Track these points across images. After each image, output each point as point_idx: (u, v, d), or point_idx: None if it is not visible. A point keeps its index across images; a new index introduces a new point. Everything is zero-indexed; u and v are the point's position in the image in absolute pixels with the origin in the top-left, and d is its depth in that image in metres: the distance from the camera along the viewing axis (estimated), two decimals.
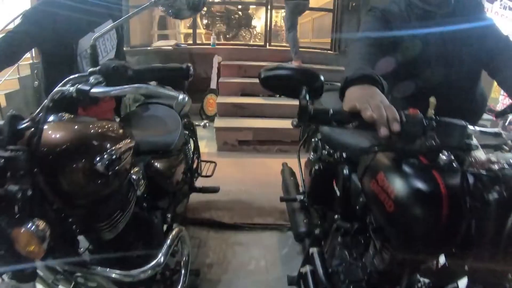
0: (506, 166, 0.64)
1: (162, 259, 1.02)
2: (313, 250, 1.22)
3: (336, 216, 1.20)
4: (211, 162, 2.50)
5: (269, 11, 5.35)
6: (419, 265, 0.80)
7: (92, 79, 0.81)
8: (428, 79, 1.22)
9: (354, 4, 4.86)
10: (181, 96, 0.78)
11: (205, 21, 7.27)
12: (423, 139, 0.72)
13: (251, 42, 7.34)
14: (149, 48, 5.18)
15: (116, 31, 1.91)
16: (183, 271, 1.29)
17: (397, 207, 0.71)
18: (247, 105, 4.03)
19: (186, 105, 0.78)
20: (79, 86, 0.78)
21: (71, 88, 0.78)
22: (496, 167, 0.65)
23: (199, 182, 2.34)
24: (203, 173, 2.40)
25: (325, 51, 5.20)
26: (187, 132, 2.02)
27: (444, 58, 1.22)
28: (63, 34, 1.65)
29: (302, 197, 1.87)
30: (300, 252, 2.08)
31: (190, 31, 5.76)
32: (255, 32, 8.19)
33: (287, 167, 2.41)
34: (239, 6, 7.56)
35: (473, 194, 0.66)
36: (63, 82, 0.82)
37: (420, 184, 0.70)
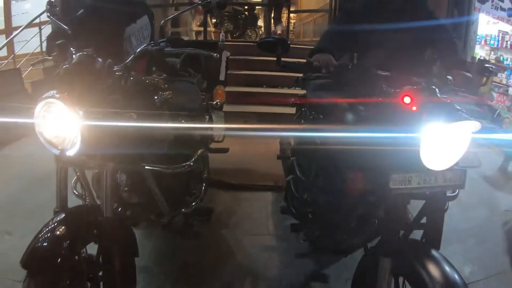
0: None
1: (192, 163, 1.66)
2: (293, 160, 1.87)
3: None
4: (221, 132, 3.14)
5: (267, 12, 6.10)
6: None
7: (163, 44, 1.45)
8: (384, 54, 1.80)
9: None
10: (215, 54, 1.43)
11: (214, 20, 7.96)
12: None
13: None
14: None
15: (150, 24, 2.57)
16: (204, 184, 1.93)
17: None
18: (252, 93, 4.69)
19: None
20: (156, 46, 1.42)
21: (152, 47, 1.41)
22: None
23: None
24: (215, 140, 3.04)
25: None
26: (204, 104, 2.67)
27: (396, 40, 1.79)
28: (114, 24, 2.31)
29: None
30: None
31: (201, 29, 6.45)
32: (260, 32, 8.87)
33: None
34: (246, 7, 8.26)
35: None
36: (145, 44, 1.46)
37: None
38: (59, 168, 1.34)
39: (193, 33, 6.71)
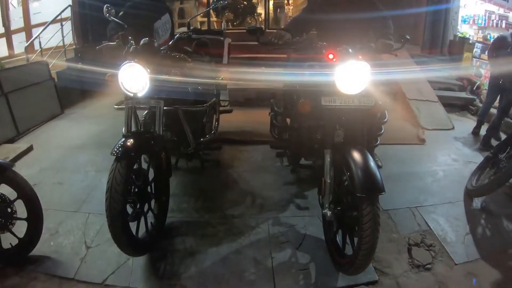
0: None
1: (208, 104, 2.67)
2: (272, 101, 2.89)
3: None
4: (225, 100, 4.10)
5: (267, 1, 6.98)
6: None
7: (190, 33, 2.44)
8: (334, 35, 2.71)
9: None
10: (221, 38, 2.41)
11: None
12: None
13: None
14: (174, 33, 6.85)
15: (171, 19, 3.54)
16: (216, 122, 2.97)
17: None
18: (252, 73, 5.64)
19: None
20: (186, 34, 2.41)
21: (184, 35, 2.40)
22: None
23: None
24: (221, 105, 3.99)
25: None
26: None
27: (344, 24, 2.70)
28: (146, 19, 3.27)
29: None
30: None
31: (205, 19, 7.41)
32: (260, 19, 9.73)
33: None
34: None
35: None
36: (179, 33, 2.45)
37: None
38: (128, 108, 2.31)
39: (198, 23, 7.69)
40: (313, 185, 3.16)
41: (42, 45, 6.01)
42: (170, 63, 2.37)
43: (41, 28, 6.02)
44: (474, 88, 6.54)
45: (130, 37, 2.33)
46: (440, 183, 3.42)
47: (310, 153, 2.65)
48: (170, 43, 2.40)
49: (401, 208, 2.97)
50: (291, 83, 2.55)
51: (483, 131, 4.61)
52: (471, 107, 6.05)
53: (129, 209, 2.19)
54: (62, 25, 6.44)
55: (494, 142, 4.25)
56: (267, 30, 6.94)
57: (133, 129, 2.38)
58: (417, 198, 3.12)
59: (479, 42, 7.54)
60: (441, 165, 3.82)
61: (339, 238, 2.31)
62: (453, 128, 4.92)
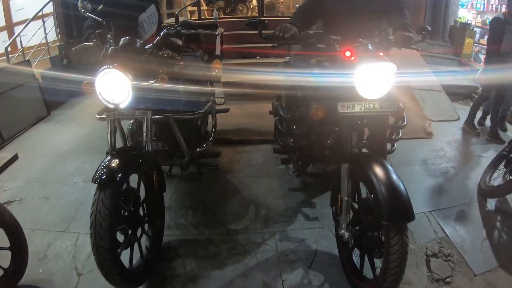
0: None
1: (203, 110, 2.26)
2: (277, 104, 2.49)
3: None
4: (221, 97, 3.71)
5: None
6: None
7: (179, 28, 2.01)
8: (345, 27, 2.32)
9: None
10: (216, 33, 2.00)
11: None
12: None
13: (249, 15, 8.42)
14: (162, 24, 6.33)
15: (157, 11, 3.10)
16: (213, 129, 2.56)
17: None
18: (246, 65, 5.22)
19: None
20: (174, 30, 1.98)
21: (171, 30, 1.98)
22: None
23: None
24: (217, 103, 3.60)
25: None
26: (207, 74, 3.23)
27: (354, 14, 2.29)
28: (130, 13, 2.84)
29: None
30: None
31: (195, 8, 6.89)
32: (251, 6, 9.24)
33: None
34: None
35: None
36: (166, 29, 2.03)
37: None
38: (110, 121, 1.92)
39: (188, 12, 7.16)
40: (320, 191, 2.87)
41: (24, 44, 5.53)
42: (156, 65, 1.96)
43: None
44: (477, 76, 6.22)
45: (109, 35, 1.92)
46: (452, 182, 3.16)
47: (320, 159, 2.30)
48: (155, 41, 1.98)
49: (417, 213, 2.63)
50: (298, 84, 2.14)
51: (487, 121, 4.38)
52: (474, 95, 5.74)
53: (120, 236, 1.88)
54: (44, 22, 5.94)
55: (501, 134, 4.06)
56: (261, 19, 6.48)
57: (120, 143, 2.01)
58: (431, 201, 2.86)
59: (477, 26, 7.18)
60: (451, 161, 3.54)
61: (355, 258, 2.02)
62: (458, 119, 4.61)
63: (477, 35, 7.01)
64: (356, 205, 1.94)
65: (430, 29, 2.06)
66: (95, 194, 1.73)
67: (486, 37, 6.97)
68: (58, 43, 6.44)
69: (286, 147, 2.57)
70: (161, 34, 1.96)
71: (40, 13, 5.87)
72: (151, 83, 1.79)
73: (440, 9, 6.77)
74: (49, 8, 6.15)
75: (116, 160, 1.80)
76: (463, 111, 4.99)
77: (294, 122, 2.42)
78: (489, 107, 4.36)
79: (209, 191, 2.94)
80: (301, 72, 2.18)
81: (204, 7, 7.80)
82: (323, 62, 1.98)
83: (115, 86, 1.74)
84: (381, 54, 1.72)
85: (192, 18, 6.67)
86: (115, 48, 1.80)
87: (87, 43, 2.16)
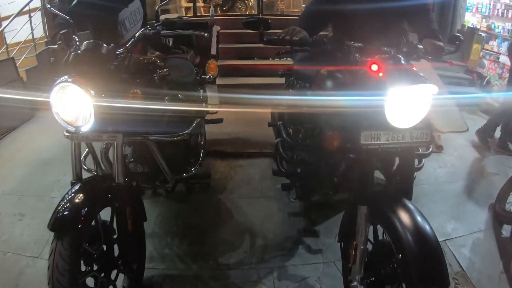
0: None
1: (190, 131, 1.83)
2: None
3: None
4: (215, 103, 3.28)
5: None
6: None
7: (159, 27, 1.58)
8: (358, 27, 1.89)
9: None
10: (206, 34, 1.57)
11: None
12: None
13: (247, 13, 7.97)
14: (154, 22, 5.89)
15: (142, 7, 2.66)
16: (202, 151, 2.12)
17: None
18: (243, 66, 4.80)
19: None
20: (153, 30, 1.55)
21: (150, 31, 1.55)
22: None
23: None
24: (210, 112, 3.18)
25: None
26: (198, 78, 2.80)
27: (370, 14, 1.88)
28: (108, 9, 2.40)
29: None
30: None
31: (190, 5, 6.43)
32: (250, 4, 8.77)
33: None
34: None
35: None
36: (143, 29, 1.60)
37: None
38: (74, 144, 1.51)
39: (183, 9, 6.69)
40: (323, 216, 2.49)
41: (8, 41, 5.05)
42: (129, 76, 1.54)
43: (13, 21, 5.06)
44: (484, 83, 5.90)
45: (74, 36, 1.50)
46: (466, 205, 2.81)
47: (329, 188, 1.90)
48: (129, 44, 1.55)
49: None
50: (306, 104, 1.71)
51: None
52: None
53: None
54: (30, 17, 5.44)
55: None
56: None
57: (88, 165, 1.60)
58: (445, 228, 2.52)
59: (482, 31, 6.85)
60: (463, 179, 3.18)
61: None
62: (467, 130, 4.23)
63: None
64: (370, 247, 1.56)
65: (463, 39, 1.69)
66: (52, 242, 1.35)
67: (491, 42, 6.76)
68: (45, 40, 5.98)
69: (289, 173, 2.15)
70: (136, 35, 1.53)
71: (27, 8, 5.38)
72: (120, 101, 1.36)
73: (448, 13, 6.38)
74: (37, 3, 5.63)
75: (81, 194, 1.41)
76: (472, 121, 4.64)
77: (300, 148, 1.99)
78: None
79: (198, 214, 2.54)
80: (311, 92, 1.76)
81: (200, 3, 7.32)
82: (336, 75, 1.57)
83: (74, 104, 1.32)
84: (415, 69, 1.32)
85: (188, 15, 6.20)
86: (76, 54, 1.37)
87: (52, 46, 1.76)
